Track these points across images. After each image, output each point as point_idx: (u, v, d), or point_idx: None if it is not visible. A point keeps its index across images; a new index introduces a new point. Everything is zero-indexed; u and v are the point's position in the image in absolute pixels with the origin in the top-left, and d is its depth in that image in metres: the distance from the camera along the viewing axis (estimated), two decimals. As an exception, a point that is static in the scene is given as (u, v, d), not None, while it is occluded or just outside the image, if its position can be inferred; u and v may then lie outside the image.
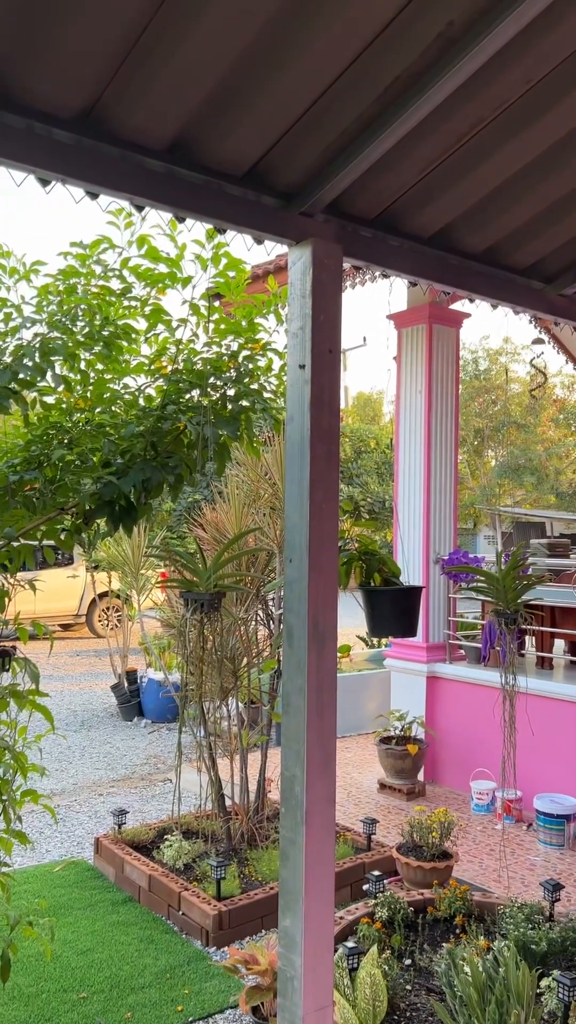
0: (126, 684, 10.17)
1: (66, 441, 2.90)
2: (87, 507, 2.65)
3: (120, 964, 4.28)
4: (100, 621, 16.13)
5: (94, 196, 1.94)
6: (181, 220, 2.08)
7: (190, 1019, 3.81)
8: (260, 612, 5.80)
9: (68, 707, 10.69)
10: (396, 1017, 3.57)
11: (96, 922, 4.74)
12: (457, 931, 4.23)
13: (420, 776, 7.06)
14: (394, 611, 2.65)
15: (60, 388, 2.89)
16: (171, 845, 5.14)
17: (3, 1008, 3.87)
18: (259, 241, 2.23)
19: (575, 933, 3.90)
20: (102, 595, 15.75)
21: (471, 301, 2.77)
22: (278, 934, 2.22)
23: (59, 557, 17.09)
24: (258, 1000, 3.56)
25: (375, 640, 12.01)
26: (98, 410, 3.00)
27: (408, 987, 3.79)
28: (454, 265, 2.66)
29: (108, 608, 15.85)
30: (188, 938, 4.56)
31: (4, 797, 2.64)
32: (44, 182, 1.88)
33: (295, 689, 2.22)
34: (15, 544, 2.64)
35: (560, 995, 3.35)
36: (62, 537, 2.72)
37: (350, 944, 3.66)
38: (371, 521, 3.51)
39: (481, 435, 25.18)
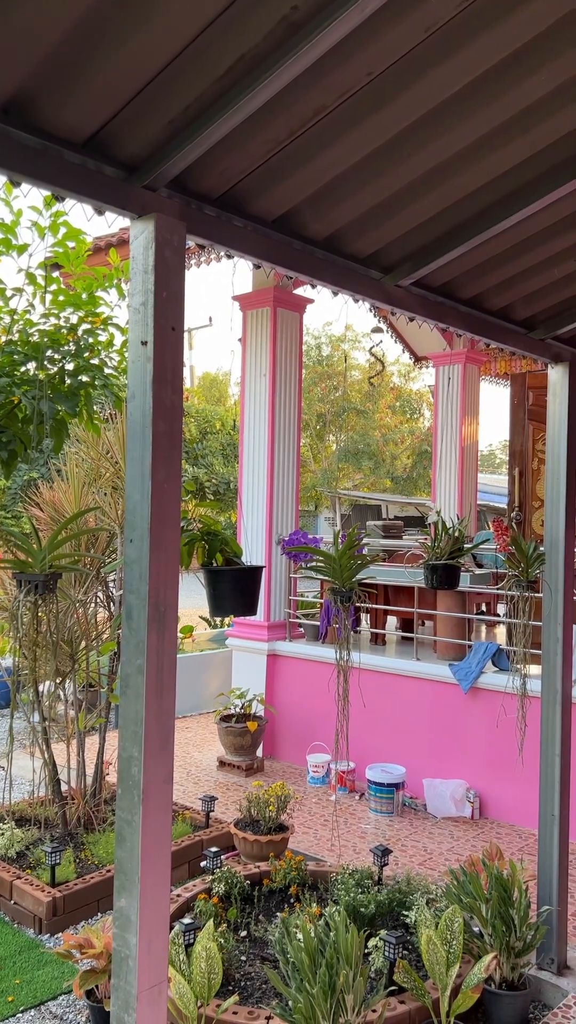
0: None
1: None
2: None
3: (-54, 960, 4.11)
4: None
5: None
6: (16, 184, 1.99)
7: (21, 1008, 3.72)
8: (100, 594, 5.68)
9: None
10: (231, 987, 3.64)
11: None
12: (292, 900, 4.37)
13: (259, 752, 7.20)
14: (235, 590, 2.67)
15: None
16: (3, 833, 4.98)
17: None
18: (100, 212, 2.17)
19: (400, 894, 4.12)
20: None
21: (313, 287, 2.82)
22: (113, 915, 2.20)
23: None
24: (93, 983, 3.52)
25: (217, 620, 12.07)
26: None
27: (243, 958, 3.88)
28: (297, 250, 2.69)
29: None
30: (20, 927, 4.44)
31: None
32: None
33: (134, 670, 2.20)
34: None
35: (386, 953, 3.54)
36: None
37: (186, 920, 3.69)
38: (215, 502, 3.50)
39: (323, 420, 25.78)
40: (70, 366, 2.84)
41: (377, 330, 10.58)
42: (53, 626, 3.50)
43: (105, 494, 5.50)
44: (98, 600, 5.60)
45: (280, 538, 7.55)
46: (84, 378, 2.89)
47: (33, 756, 5.15)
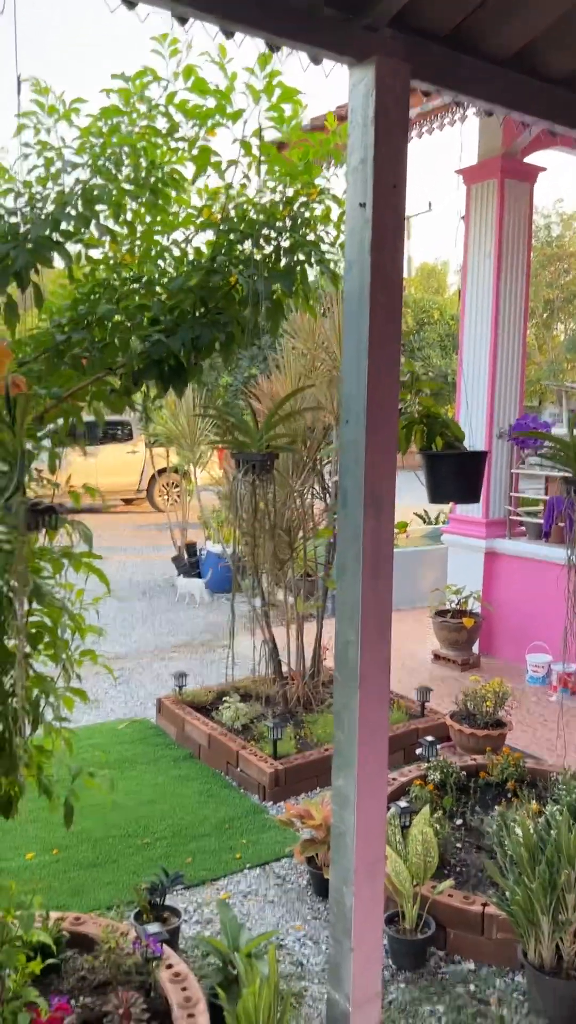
0: (186, 556, 10.36)
1: (115, 299, 2.76)
2: (135, 367, 2.54)
3: (181, 814, 4.50)
4: (160, 496, 16.35)
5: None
6: (230, 35, 1.85)
7: (247, 865, 4.01)
8: (316, 486, 5.73)
9: (131, 578, 10.99)
10: (446, 871, 3.68)
11: (159, 776, 4.97)
12: (509, 795, 4.31)
13: (475, 649, 7.10)
14: (457, 476, 2.52)
15: (106, 241, 2.73)
16: (229, 707, 5.31)
17: (73, 850, 4.11)
18: (316, 61, 1.99)
19: (627, 801, 3.92)
20: (161, 471, 15.92)
21: (552, 134, 2.48)
22: (332, 793, 2.24)
23: (119, 433, 17.24)
24: (312, 852, 3.70)
25: (432, 517, 11.92)
26: (147, 267, 2.85)
27: (459, 845, 3.90)
28: (535, 91, 2.36)
29: (168, 484, 16.02)
30: (246, 793, 4.75)
31: (63, 656, 2.68)
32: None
33: (351, 555, 2.15)
34: (63, 405, 2.57)
35: (610, 858, 3.40)
36: (111, 399, 2.64)
37: (403, 803, 3.75)
38: (435, 382, 3.31)
39: (551, 307, 23.99)
40: (286, 243, 2.73)
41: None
42: (269, 509, 3.52)
43: (322, 384, 5.45)
44: (314, 492, 5.64)
45: (502, 431, 7.16)
46: (300, 255, 2.77)
47: (254, 636, 5.38)
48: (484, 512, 7.23)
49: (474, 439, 7.22)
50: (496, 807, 3.97)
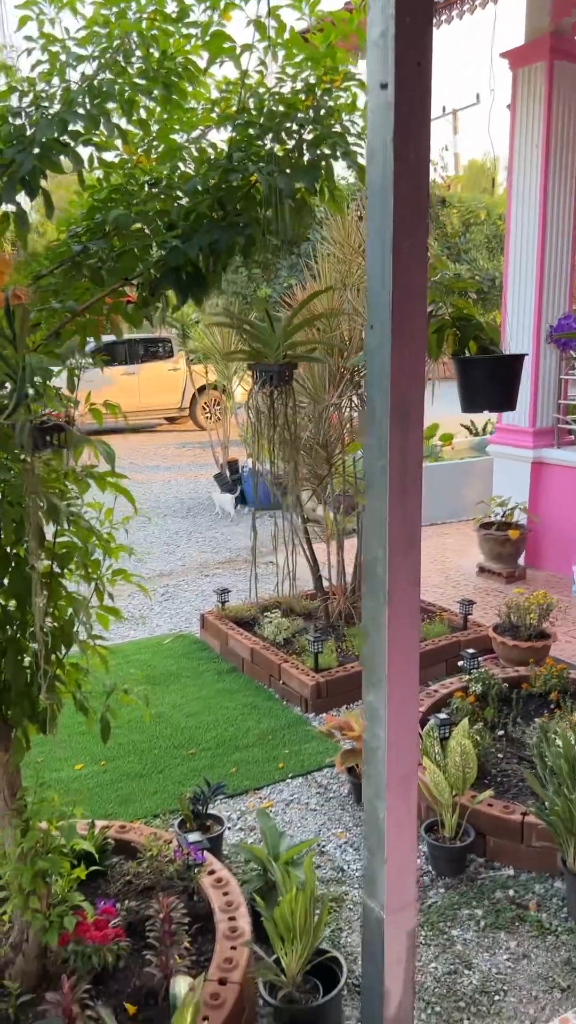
0: (228, 474, 10.35)
1: (131, 205, 2.63)
2: (152, 276, 2.43)
3: (225, 726, 4.58)
4: (203, 414, 16.28)
5: None
6: None
7: (290, 775, 4.09)
8: (356, 399, 5.58)
9: (175, 496, 11.05)
10: (487, 781, 3.70)
11: (203, 689, 5.07)
12: (552, 706, 4.28)
13: (520, 561, 7.00)
14: (491, 382, 2.38)
15: (118, 141, 2.58)
16: (271, 621, 5.34)
17: (121, 761, 4.24)
18: None
19: None
20: (202, 389, 15.80)
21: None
22: (364, 709, 2.21)
23: (160, 350, 17.09)
24: (352, 762, 3.75)
25: (479, 427, 11.65)
26: (164, 170, 2.69)
27: (500, 755, 3.90)
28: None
29: (210, 401, 15.92)
30: (288, 705, 4.82)
31: (95, 576, 2.67)
32: None
33: (377, 469, 2.06)
34: (81, 319, 2.48)
35: None
36: (128, 310, 2.54)
37: (442, 715, 3.75)
38: (470, 282, 3.07)
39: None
40: (309, 136, 2.55)
41: None
42: (289, 421, 3.39)
43: (358, 291, 5.24)
44: (352, 405, 5.51)
45: (549, 327, 6.83)
46: (325, 149, 2.59)
47: (293, 553, 5.35)
48: (531, 421, 7.02)
49: (521, 341, 6.94)
50: (538, 718, 3.96)
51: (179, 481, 11.99)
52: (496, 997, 2.72)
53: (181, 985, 2.14)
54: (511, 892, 3.21)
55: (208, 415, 15.94)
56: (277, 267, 15.03)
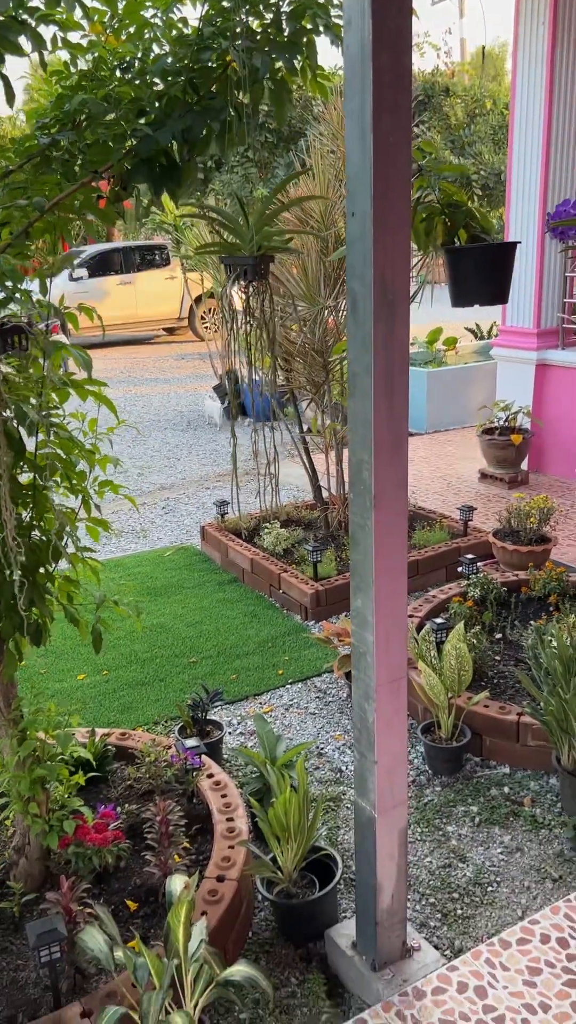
0: (227, 384, 10.18)
1: (101, 92, 2.46)
2: (124, 168, 2.29)
3: (226, 635, 4.62)
4: (202, 324, 15.93)
5: None
6: None
7: (289, 680, 4.13)
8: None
9: (175, 409, 10.92)
10: (483, 684, 3.73)
11: (204, 599, 5.09)
12: (551, 609, 4.29)
13: (524, 466, 6.93)
14: (480, 273, 2.25)
15: (84, 21, 2.40)
16: (270, 532, 5.32)
17: (123, 670, 4.29)
18: None
19: None
20: (198, 298, 15.41)
21: None
22: (351, 614, 2.19)
23: (156, 258, 16.61)
24: (349, 667, 3.76)
25: (485, 331, 11.37)
26: (132, 49, 2.50)
27: (497, 658, 3.93)
28: None
29: (208, 311, 15.55)
30: (288, 614, 4.84)
31: (80, 488, 2.63)
32: None
33: (362, 368, 1.97)
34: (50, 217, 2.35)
35: None
36: (100, 206, 2.40)
37: (439, 620, 3.76)
38: (460, 166, 2.86)
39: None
40: (287, 7, 2.36)
41: None
42: (267, 319, 3.24)
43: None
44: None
45: (547, 215, 6.54)
46: (306, 24, 2.40)
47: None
48: (535, 321, 6.81)
49: (525, 235, 6.66)
50: (536, 621, 3.96)
51: (179, 394, 11.82)
52: (489, 888, 2.79)
53: (176, 883, 2.20)
54: (506, 789, 3.27)
55: (207, 325, 15.60)
56: (274, 166, 14.43)
